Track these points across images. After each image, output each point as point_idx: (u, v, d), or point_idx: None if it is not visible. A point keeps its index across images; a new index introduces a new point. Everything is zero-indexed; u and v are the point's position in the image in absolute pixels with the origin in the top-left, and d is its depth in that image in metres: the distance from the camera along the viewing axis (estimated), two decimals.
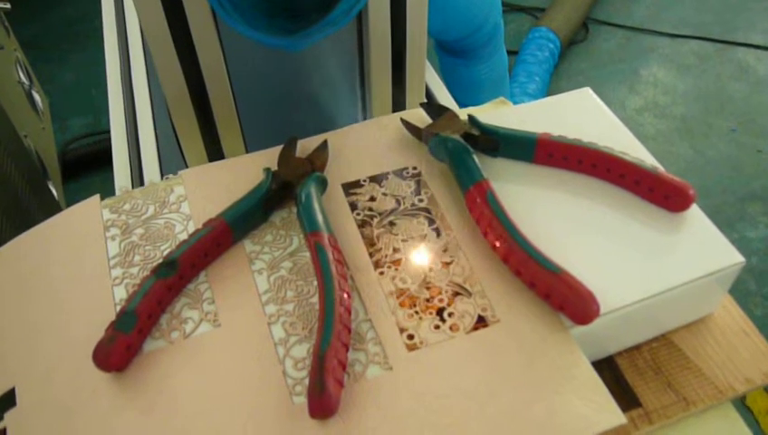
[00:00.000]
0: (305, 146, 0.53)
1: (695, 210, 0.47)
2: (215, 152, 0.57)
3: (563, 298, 0.41)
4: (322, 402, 0.37)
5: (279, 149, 0.52)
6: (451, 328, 0.42)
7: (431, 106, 0.54)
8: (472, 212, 0.47)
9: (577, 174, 0.50)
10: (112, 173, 0.69)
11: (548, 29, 1.66)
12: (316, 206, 0.46)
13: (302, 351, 0.41)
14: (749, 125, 1.55)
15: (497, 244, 0.44)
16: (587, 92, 0.57)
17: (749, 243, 1.30)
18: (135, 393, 0.40)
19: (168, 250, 0.46)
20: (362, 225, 0.48)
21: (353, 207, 0.49)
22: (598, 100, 0.56)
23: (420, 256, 0.46)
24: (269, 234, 0.48)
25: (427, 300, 0.43)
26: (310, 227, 0.45)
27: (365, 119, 0.63)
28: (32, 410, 0.40)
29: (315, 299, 0.44)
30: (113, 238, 0.48)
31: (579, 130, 0.50)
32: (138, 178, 0.69)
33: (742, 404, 0.44)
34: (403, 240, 0.47)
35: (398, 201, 0.49)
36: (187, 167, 0.56)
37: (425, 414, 0.38)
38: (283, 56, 0.60)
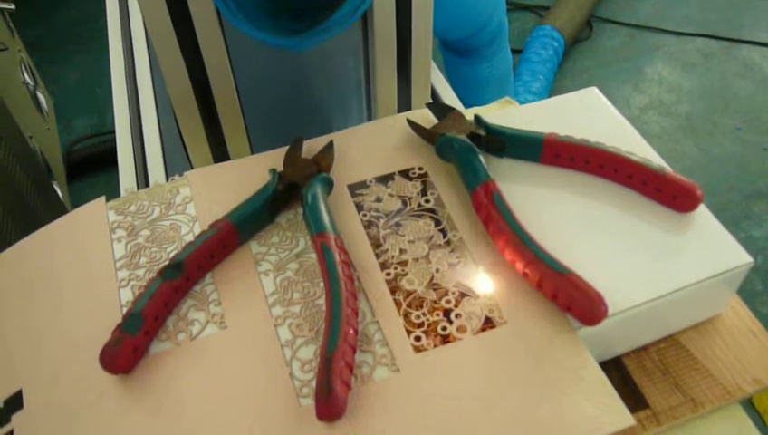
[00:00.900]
0: (311, 147, 0.53)
1: (702, 210, 0.47)
2: (220, 153, 0.57)
3: (571, 299, 0.41)
4: (330, 405, 0.37)
5: (285, 150, 0.52)
6: (458, 329, 0.42)
7: (437, 106, 0.54)
8: (479, 213, 0.47)
9: (584, 174, 0.49)
10: (117, 173, 0.69)
11: (552, 27, 1.66)
12: (322, 207, 0.46)
13: (309, 353, 0.41)
14: (754, 123, 1.54)
15: (504, 245, 0.44)
16: (593, 92, 0.56)
17: (755, 242, 1.30)
18: (141, 395, 0.40)
19: (175, 252, 0.46)
20: (368, 226, 0.48)
21: (359, 207, 0.49)
22: (604, 99, 0.56)
23: (427, 258, 0.46)
24: (275, 235, 0.47)
25: (434, 301, 0.43)
26: (316, 229, 0.45)
27: (370, 119, 0.63)
28: (38, 412, 0.40)
29: (322, 301, 0.44)
30: (119, 240, 0.48)
31: (585, 129, 0.50)
32: (143, 179, 0.69)
33: (748, 403, 0.44)
34: (410, 241, 0.47)
35: (404, 202, 0.49)
36: (191, 168, 0.56)
37: (432, 416, 0.38)
38: (288, 57, 0.60)
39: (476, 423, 0.38)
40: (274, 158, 0.52)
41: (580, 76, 1.70)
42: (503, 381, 0.39)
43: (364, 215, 0.48)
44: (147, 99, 0.76)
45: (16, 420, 0.40)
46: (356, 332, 0.41)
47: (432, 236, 0.47)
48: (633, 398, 0.44)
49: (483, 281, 0.44)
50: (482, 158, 0.48)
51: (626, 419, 0.38)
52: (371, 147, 0.53)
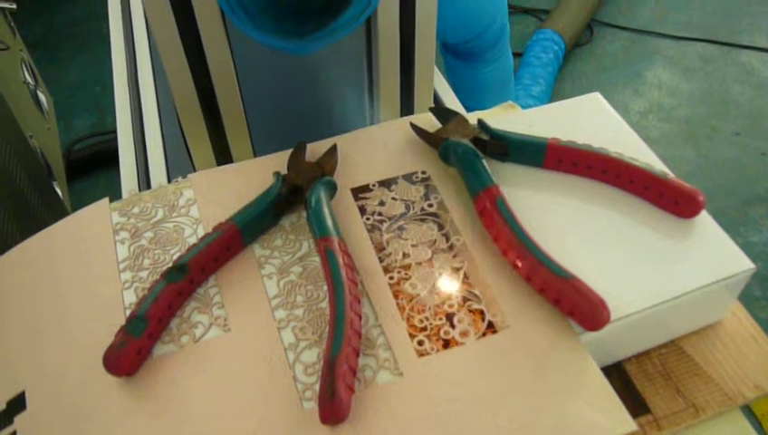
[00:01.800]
0: (314, 150, 0.53)
1: (704, 216, 0.47)
2: (222, 156, 0.57)
3: (574, 304, 0.41)
4: (333, 408, 0.37)
5: (288, 153, 0.52)
6: (461, 334, 0.42)
7: (440, 110, 0.54)
8: (482, 217, 0.47)
9: (587, 180, 0.49)
10: (117, 173, 0.69)
11: (553, 31, 1.66)
12: (326, 210, 0.46)
13: (312, 356, 0.41)
14: (753, 128, 1.54)
15: (507, 249, 0.44)
16: (596, 97, 0.57)
17: (753, 247, 1.30)
18: (145, 398, 0.40)
19: (178, 254, 0.46)
20: (372, 229, 0.48)
21: (362, 211, 0.49)
22: (607, 105, 0.56)
23: (430, 262, 0.46)
24: (279, 238, 0.48)
25: (437, 305, 0.43)
26: (320, 232, 0.45)
27: (373, 123, 0.63)
28: (42, 413, 0.40)
29: (325, 304, 0.44)
30: (122, 242, 0.48)
31: (588, 135, 0.50)
32: (144, 180, 0.69)
33: (746, 408, 0.44)
34: (413, 245, 0.47)
35: (407, 206, 0.49)
36: (194, 169, 0.57)
37: (435, 420, 0.38)
38: (291, 60, 0.60)
39: (479, 427, 0.38)
40: (278, 161, 0.52)
41: (580, 80, 1.70)
42: (505, 386, 0.40)
43: (367, 218, 0.49)
44: (149, 100, 0.76)
45: (19, 421, 0.40)
46: (359, 335, 0.41)
47: (435, 241, 0.47)
48: (634, 403, 0.44)
49: (485, 285, 0.44)
50: (485, 162, 0.49)
51: (628, 424, 0.38)
52: (375, 151, 0.54)
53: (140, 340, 0.41)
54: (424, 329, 0.42)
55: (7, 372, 0.43)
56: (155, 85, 0.78)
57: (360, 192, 0.50)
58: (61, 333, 0.44)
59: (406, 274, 0.45)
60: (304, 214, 0.48)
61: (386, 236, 0.47)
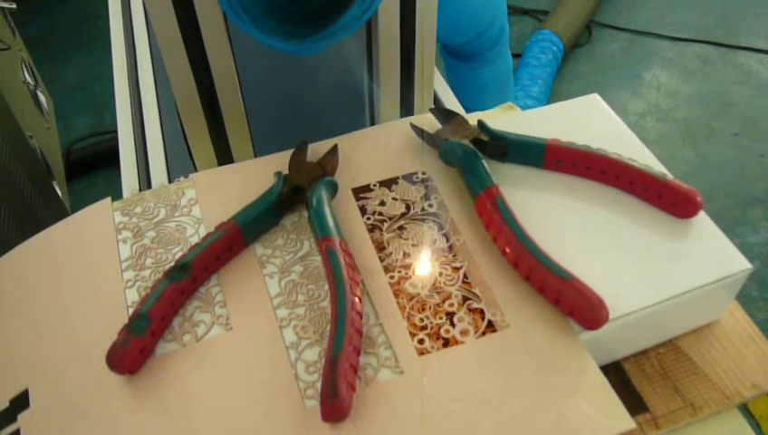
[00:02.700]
0: (315, 150, 0.53)
1: (702, 217, 0.47)
2: (223, 156, 0.57)
3: (573, 304, 0.41)
4: (335, 406, 0.37)
5: (289, 153, 0.52)
6: (461, 333, 0.42)
7: (441, 111, 0.55)
8: (482, 217, 0.47)
9: (586, 180, 0.50)
10: (115, 173, 0.69)
11: (551, 32, 1.67)
12: (327, 210, 0.47)
13: (314, 354, 0.42)
14: (752, 129, 1.55)
15: (507, 249, 0.45)
16: (595, 98, 0.57)
17: (750, 248, 1.31)
18: (148, 396, 0.40)
19: (180, 253, 0.47)
20: (372, 229, 0.48)
21: (363, 211, 0.49)
22: (606, 106, 0.56)
23: (430, 261, 0.46)
24: (280, 238, 0.48)
25: (438, 305, 0.44)
26: (321, 232, 0.45)
27: (373, 123, 0.63)
28: (45, 411, 0.41)
29: (326, 303, 0.44)
30: (125, 241, 0.48)
31: (587, 136, 0.51)
32: (145, 180, 0.69)
33: (744, 408, 0.45)
34: (413, 245, 0.47)
35: (407, 206, 0.50)
36: (195, 169, 0.57)
37: (435, 418, 0.39)
38: (292, 60, 0.61)
39: (479, 425, 0.38)
40: (279, 161, 0.53)
41: (579, 81, 1.71)
42: (505, 384, 0.40)
43: (368, 218, 0.49)
44: (149, 99, 0.76)
45: (23, 419, 0.40)
46: (361, 334, 0.41)
47: (435, 240, 0.47)
48: (633, 402, 0.44)
49: (485, 285, 0.45)
50: (485, 163, 0.49)
51: (626, 422, 0.38)
52: (375, 151, 0.54)
53: (143, 338, 0.41)
54: (424, 328, 0.43)
55: (10, 371, 0.43)
56: (155, 84, 0.78)
57: (360, 192, 0.51)
58: (64, 331, 0.44)
59: (406, 273, 0.45)
60: (305, 213, 0.49)
61: (386, 236, 0.48)
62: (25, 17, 1.85)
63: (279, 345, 0.42)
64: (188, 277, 0.44)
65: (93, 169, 1.56)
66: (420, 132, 0.53)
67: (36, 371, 0.42)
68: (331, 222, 0.46)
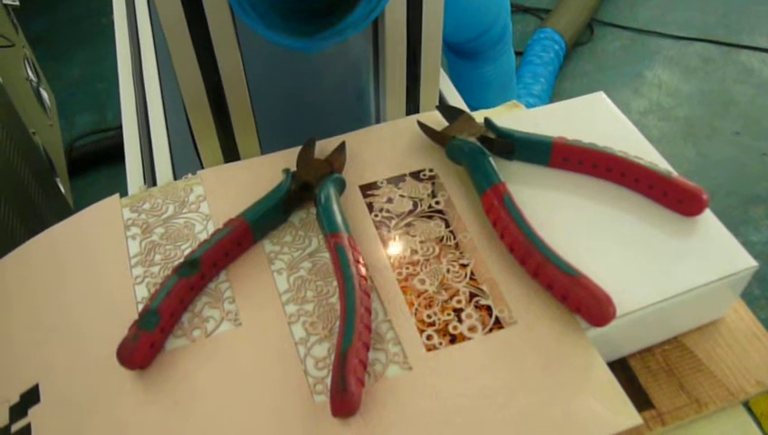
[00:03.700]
0: (323, 147, 0.53)
1: (708, 214, 0.48)
2: (230, 152, 0.58)
3: (580, 301, 0.42)
4: (344, 401, 0.38)
5: (297, 150, 0.52)
6: (469, 329, 0.43)
7: (447, 109, 0.55)
8: (489, 215, 0.47)
9: (592, 178, 0.50)
10: (118, 170, 0.69)
11: (553, 30, 1.67)
12: (335, 207, 0.47)
13: (323, 350, 0.42)
14: (753, 128, 1.55)
15: (514, 246, 0.45)
16: (600, 97, 0.57)
17: (752, 247, 1.31)
18: (157, 391, 0.41)
19: (189, 250, 0.47)
20: (380, 226, 0.48)
21: (371, 208, 0.50)
22: (611, 104, 0.57)
23: (438, 258, 0.46)
24: (288, 234, 0.48)
25: (445, 301, 0.44)
26: (330, 229, 0.45)
27: (378, 121, 0.64)
28: (55, 406, 0.41)
29: (334, 299, 0.44)
30: (134, 237, 0.48)
31: (593, 133, 0.51)
32: (150, 176, 0.69)
33: (745, 407, 0.45)
34: (421, 242, 0.47)
35: (415, 203, 0.50)
36: (201, 166, 0.57)
37: (444, 414, 0.39)
38: (300, 57, 0.61)
39: (486, 421, 0.39)
40: (287, 158, 0.53)
41: (580, 79, 1.71)
42: (512, 380, 0.40)
43: (375, 215, 0.49)
44: (154, 96, 0.76)
45: (33, 413, 0.41)
46: (370, 330, 0.41)
47: (443, 237, 0.48)
48: (638, 398, 0.44)
49: (492, 282, 0.45)
50: (492, 160, 0.49)
51: (633, 418, 0.39)
52: (383, 148, 0.54)
53: (153, 334, 0.41)
54: (432, 324, 0.43)
55: (21, 366, 0.43)
56: (159, 81, 0.78)
57: (368, 189, 0.51)
58: (74, 326, 0.44)
59: (414, 270, 0.46)
60: (314, 210, 0.49)
61: (394, 233, 0.48)
62: (28, 14, 1.86)
63: (288, 341, 0.42)
64: (197, 273, 0.44)
65: (95, 165, 1.56)
66: (427, 130, 0.54)
67: (46, 366, 0.43)
68: (339, 219, 0.46)
